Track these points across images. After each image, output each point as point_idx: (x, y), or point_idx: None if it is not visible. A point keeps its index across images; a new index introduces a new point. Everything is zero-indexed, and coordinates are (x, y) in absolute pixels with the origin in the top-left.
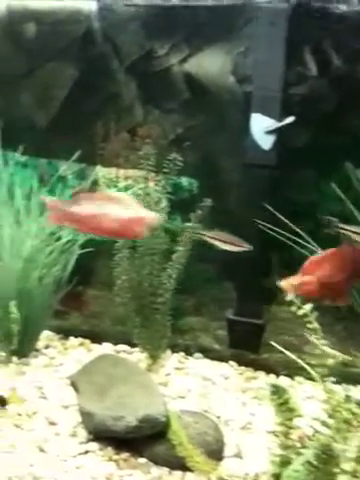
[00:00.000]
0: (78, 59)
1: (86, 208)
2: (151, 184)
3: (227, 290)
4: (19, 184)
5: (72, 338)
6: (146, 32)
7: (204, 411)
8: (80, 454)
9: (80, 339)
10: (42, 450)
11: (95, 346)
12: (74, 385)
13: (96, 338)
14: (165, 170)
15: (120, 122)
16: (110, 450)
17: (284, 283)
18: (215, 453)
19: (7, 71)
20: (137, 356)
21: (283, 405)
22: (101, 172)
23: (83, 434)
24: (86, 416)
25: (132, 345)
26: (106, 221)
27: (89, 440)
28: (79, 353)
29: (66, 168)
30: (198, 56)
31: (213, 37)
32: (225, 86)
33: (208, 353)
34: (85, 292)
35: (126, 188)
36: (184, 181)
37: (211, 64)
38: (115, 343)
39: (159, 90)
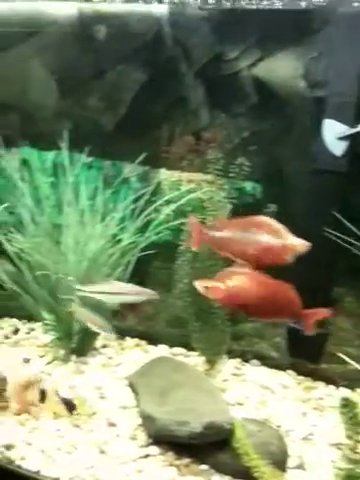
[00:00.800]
0: (147, 62)
1: (231, 234)
2: (214, 188)
3: None
4: (84, 185)
5: (128, 338)
6: (216, 36)
7: (264, 420)
8: (140, 458)
9: (136, 340)
10: (102, 452)
11: (151, 347)
12: (132, 386)
13: (152, 340)
14: (231, 174)
15: (186, 125)
16: (171, 455)
17: (198, 283)
18: (279, 464)
19: (77, 73)
20: (194, 360)
21: (353, 418)
22: (164, 175)
23: (143, 437)
24: (147, 419)
25: (188, 348)
26: (253, 248)
27: (149, 444)
28: (136, 354)
29: (130, 170)
30: (269, 60)
31: (286, 41)
32: (295, 91)
33: (265, 360)
34: None
35: (189, 192)
36: (248, 186)
37: (282, 68)
38: (170, 345)
39: (227, 94)
